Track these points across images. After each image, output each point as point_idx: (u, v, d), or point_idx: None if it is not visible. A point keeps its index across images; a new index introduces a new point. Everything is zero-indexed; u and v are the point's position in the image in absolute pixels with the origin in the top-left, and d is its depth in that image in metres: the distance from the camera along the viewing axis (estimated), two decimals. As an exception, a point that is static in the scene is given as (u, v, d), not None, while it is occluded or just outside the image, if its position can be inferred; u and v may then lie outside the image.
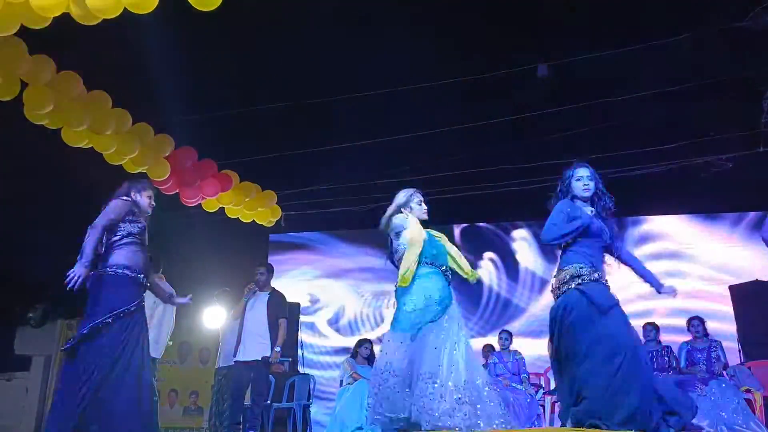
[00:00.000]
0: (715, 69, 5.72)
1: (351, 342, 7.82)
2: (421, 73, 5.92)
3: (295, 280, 9.59)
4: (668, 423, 3.07)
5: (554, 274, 3.48)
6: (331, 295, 9.50)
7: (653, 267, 8.01)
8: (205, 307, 7.68)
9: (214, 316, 7.65)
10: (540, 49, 5.86)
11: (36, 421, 9.13)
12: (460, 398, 3.26)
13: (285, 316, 5.75)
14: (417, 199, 3.89)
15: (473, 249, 8.92)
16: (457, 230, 9.18)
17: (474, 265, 8.78)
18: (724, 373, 5.65)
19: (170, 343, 5.36)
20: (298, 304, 8.75)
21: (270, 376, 6.79)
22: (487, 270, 8.91)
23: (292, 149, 6.85)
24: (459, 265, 3.84)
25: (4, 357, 9.51)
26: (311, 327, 9.39)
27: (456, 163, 7.19)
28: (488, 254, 9.03)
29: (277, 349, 5.59)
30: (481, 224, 9.22)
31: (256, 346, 5.58)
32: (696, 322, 5.91)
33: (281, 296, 5.95)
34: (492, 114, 6.36)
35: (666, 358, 5.83)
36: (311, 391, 7.20)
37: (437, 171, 7.26)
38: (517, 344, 6.98)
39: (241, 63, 5.85)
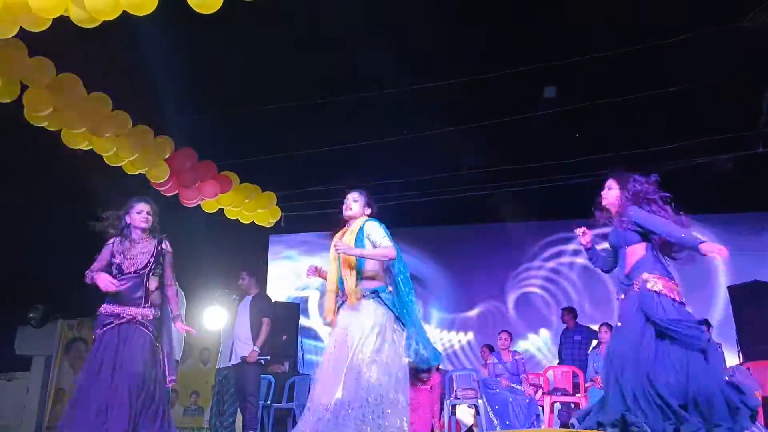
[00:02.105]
0: (715, 69, 5.71)
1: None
2: (421, 74, 5.92)
3: (296, 280, 9.61)
4: None
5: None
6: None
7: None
8: (205, 307, 7.69)
9: (214, 317, 7.67)
10: (541, 48, 5.86)
11: (36, 421, 9.15)
12: None
13: (268, 316, 5.79)
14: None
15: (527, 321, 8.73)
16: (511, 301, 8.85)
17: (523, 337, 8.40)
18: None
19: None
20: (298, 305, 8.77)
21: (271, 377, 6.83)
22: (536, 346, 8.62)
23: (292, 150, 6.85)
24: None
25: (5, 357, 9.53)
26: (310, 329, 9.40)
27: (456, 164, 7.20)
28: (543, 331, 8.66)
29: (255, 348, 5.58)
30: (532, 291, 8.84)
31: (242, 349, 5.66)
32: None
33: (265, 298, 6.09)
34: (492, 114, 6.36)
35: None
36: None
37: (437, 171, 7.27)
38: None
39: (241, 64, 5.84)
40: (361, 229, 3.49)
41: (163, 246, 3.78)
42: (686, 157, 6.94)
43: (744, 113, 6.35)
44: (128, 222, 3.79)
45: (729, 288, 7.29)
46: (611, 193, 3.59)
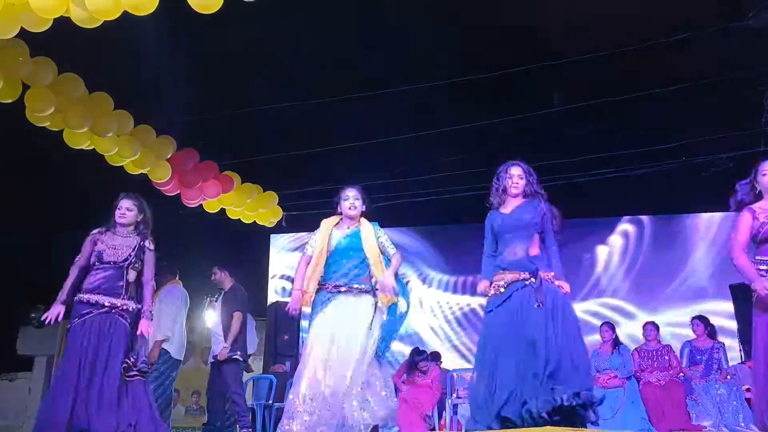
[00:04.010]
0: (715, 67, 5.72)
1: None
2: (421, 73, 5.93)
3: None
4: None
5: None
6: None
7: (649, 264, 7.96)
8: (207, 307, 7.70)
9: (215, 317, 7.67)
10: (540, 48, 5.86)
11: (39, 421, 9.17)
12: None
13: (239, 309, 5.59)
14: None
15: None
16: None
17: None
18: (723, 378, 5.61)
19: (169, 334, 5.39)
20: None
21: (272, 376, 6.84)
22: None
23: (293, 150, 6.87)
24: None
25: (7, 357, 9.56)
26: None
27: (455, 163, 7.20)
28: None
29: (225, 344, 5.42)
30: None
31: (216, 348, 5.56)
32: (696, 322, 5.90)
33: (237, 291, 5.80)
34: (491, 114, 6.37)
35: (666, 358, 5.83)
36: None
37: (437, 171, 7.28)
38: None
39: (242, 64, 5.86)
40: (374, 232, 3.73)
41: (146, 243, 3.87)
42: (687, 156, 6.94)
43: (745, 111, 6.35)
44: (114, 216, 3.90)
45: (731, 287, 7.27)
46: (522, 182, 3.68)
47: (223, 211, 7.31)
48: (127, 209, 3.87)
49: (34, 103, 4.95)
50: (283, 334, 7.86)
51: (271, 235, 9.66)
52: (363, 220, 3.78)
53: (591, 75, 5.90)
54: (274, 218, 7.83)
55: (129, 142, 5.76)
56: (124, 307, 3.72)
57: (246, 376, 6.45)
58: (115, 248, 3.77)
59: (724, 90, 5.83)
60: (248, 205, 7.28)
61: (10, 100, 4.83)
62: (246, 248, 8.72)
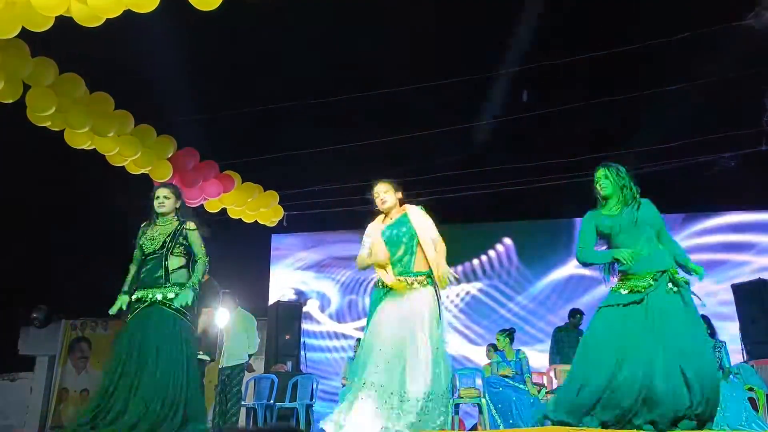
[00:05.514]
0: (717, 67, 5.71)
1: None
2: (421, 73, 5.93)
3: (300, 278, 9.64)
4: None
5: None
6: (337, 295, 9.51)
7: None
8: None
9: (216, 316, 7.66)
10: (538, 48, 5.87)
11: (40, 421, 9.18)
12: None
13: (209, 305, 5.35)
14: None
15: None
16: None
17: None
18: (725, 378, 5.59)
19: None
20: (300, 305, 8.78)
21: (273, 376, 6.84)
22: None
23: (294, 150, 6.87)
24: None
25: (9, 357, 9.57)
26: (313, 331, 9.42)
27: (456, 163, 7.21)
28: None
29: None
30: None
31: None
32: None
33: (209, 286, 5.41)
34: (492, 114, 6.38)
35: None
36: (314, 391, 7.21)
37: (437, 171, 7.28)
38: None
39: (242, 64, 5.87)
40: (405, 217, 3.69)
41: (185, 225, 3.84)
42: (689, 155, 6.94)
43: (747, 111, 6.35)
44: (154, 207, 3.89)
45: (733, 286, 7.27)
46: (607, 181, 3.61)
47: (224, 210, 7.31)
48: (165, 197, 3.86)
49: (36, 103, 4.96)
50: (284, 334, 7.85)
51: (273, 235, 9.67)
52: (401, 209, 3.82)
53: (592, 74, 5.91)
54: (275, 217, 7.83)
55: (130, 142, 5.76)
56: (168, 297, 3.67)
57: (247, 376, 6.46)
58: (153, 239, 3.78)
59: (727, 88, 5.82)
60: (249, 204, 7.28)
61: (11, 100, 4.84)
62: (247, 248, 8.72)
